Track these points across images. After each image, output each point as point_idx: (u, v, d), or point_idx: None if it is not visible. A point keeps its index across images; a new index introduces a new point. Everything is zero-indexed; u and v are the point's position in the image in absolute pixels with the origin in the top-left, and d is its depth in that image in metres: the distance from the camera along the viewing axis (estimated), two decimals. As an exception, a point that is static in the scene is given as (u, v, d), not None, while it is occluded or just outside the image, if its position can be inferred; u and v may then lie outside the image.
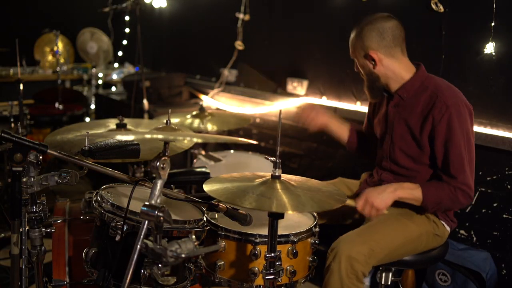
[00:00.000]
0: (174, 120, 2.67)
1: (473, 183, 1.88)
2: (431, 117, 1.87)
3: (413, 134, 1.95)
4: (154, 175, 1.23)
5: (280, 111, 1.51)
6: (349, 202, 1.91)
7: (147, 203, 1.19)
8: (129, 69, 5.32)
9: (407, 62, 1.98)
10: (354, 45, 2.00)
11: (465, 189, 1.85)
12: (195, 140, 1.56)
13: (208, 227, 1.66)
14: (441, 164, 1.89)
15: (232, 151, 3.09)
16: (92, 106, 4.97)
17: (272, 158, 1.51)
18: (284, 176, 1.54)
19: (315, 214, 1.88)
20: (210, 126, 2.70)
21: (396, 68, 1.96)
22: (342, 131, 2.34)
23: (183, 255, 1.13)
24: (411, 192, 1.88)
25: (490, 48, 2.32)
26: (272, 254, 1.46)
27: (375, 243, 1.82)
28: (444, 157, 1.87)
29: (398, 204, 2.01)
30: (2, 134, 1.33)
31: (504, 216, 2.36)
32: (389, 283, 2.04)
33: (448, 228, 2.03)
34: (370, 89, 2.04)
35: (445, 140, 1.85)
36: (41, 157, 1.43)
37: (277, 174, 1.50)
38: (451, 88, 1.92)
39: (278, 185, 1.47)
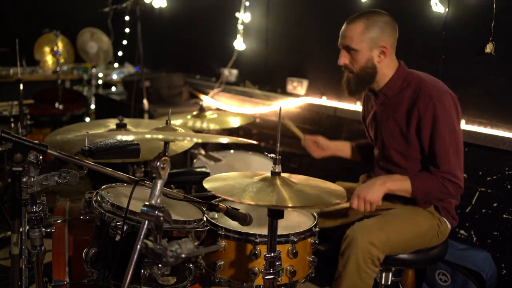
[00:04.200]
0: (175, 121, 2.67)
1: (461, 173, 1.89)
2: (417, 109, 1.89)
3: (401, 130, 1.97)
4: (154, 175, 1.23)
5: (280, 108, 1.51)
6: (342, 205, 1.93)
7: (147, 203, 1.19)
8: (129, 69, 5.32)
9: (396, 61, 2.01)
10: (361, 35, 1.90)
11: (452, 179, 1.86)
12: (195, 140, 1.56)
13: (208, 227, 1.66)
14: (428, 156, 1.92)
15: (232, 151, 3.09)
16: (92, 106, 4.97)
17: (272, 155, 1.51)
18: (284, 174, 1.54)
19: (315, 214, 1.88)
20: (210, 126, 2.70)
21: (390, 65, 1.98)
22: (346, 152, 2.38)
23: (183, 255, 1.13)
24: (400, 183, 1.91)
25: (490, 48, 2.32)
26: (272, 254, 1.46)
27: (391, 231, 1.86)
28: (430, 148, 1.89)
29: (403, 201, 2.02)
30: (2, 134, 1.33)
31: (504, 216, 2.36)
32: (389, 283, 2.04)
33: (449, 226, 2.04)
34: (359, 83, 1.98)
35: (430, 131, 1.87)
36: (41, 157, 1.42)
37: (276, 170, 1.50)
38: (433, 79, 1.95)
39: (278, 181, 1.47)
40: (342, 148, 2.38)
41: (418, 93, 1.89)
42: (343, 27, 1.97)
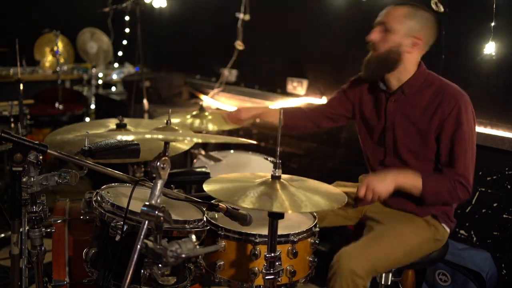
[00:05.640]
0: (175, 120, 2.67)
1: (472, 179, 1.88)
2: (441, 110, 1.88)
3: (418, 130, 1.95)
4: (154, 175, 1.23)
5: (281, 110, 1.51)
6: (350, 189, 1.90)
7: (147, 203, 1.19)
8: (129, 69, 5.31)
9: (420, 61, 2.00)
10: (403, 19, 1.89)
11: (465, 183, 1.85)
12: (195, 140, 1.56)
13: (208, 227, 1.66)
14: (444, 157, 1.90)
15: (232, 151, 3.09)
16: (92, 106, 4.97)
17: (272, 159, 1.51)
18: (284, 177, 1.54)
19: (315, 214, 1.88)
20: (210, 126, 2.70)
21: (415, 62, 1.96)
22: (274, 118, 2.33)
23: (183, 255, 1.13)
24: (413, 180, 1.87)
25: (490, 48, 2.32)
26: (272, 254, 1.46)
27: (376, 257, 1.82)
28: (450, 150, 1.88)
29: (397, 206, 2.01)
30: (2, 134, 1.33)
31: (504, 216, 2.36)
32: (389, 283, 2.04)
33: (448, 230, 2.03)
34: (379, 64, 1.95)
35: (452, 133, 1.86)
36: (41, 157, 1.42)
37: (277, 174, 1.50)
38: (455, 85, 1.95)
39: (278, 186, 1.47)
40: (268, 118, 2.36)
41: (442, 95, 1.89)
42: (387, 8, 1.95)
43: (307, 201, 1.41)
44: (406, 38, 1.90)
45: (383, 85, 2.05)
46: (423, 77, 1.96)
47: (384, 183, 1.83)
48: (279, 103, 3.50)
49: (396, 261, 1.90)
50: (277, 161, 1.49)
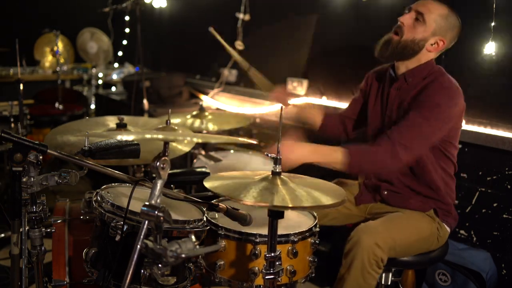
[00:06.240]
0: (175, 120, 2.67)
1: (410, 150, 1.81)
2: (423, 92, 1.88)
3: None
4: (154, 175, 1.23)
5: (282, 107, 1.51)
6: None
7: (147, 203, 1.19)
8: (129, 69, 5.32)
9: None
10: (438, 16, 1.88)
11: (398, 148, 1.79)
12: (195, 140, 1.56)
13: (208, 227, 1.66)
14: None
15: (232, 151, 3.09)
16: (92, 106, 4.97)
17: (272, 155, 1.51)
18: (284, 174, 1.53)
19: (315, 214, 1.88)
20: (210, 126, 2.70)
21: (429, 58, 1.96)
22: (315, 116, 2.37)
23: (183, 255, 1.13)
24: (330, 151, 1.93)
25: (490, 48, 2.32)
26: (272, 254, 1.46)
27: (397, 233, 1.85)
28: (402, 118, 1.88)
29: (399, 205, 2.02)
30: (2, 134, 1.33)
31: (504, 216, 2.36)
32: (389, 283, 2.04)
33: (448, 229, 2.04)
34: (397, 50, 1.93)
35: (414, 106, 1.86)
36: (41, 157, 1.42)
37: (277, 170, 1.49)
38: (454, 80, 1.93)
39: (279, 181, 1.47)
40: (309, 114, 2.39)
41: (433, 82, 1.89)
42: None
43: (308, 197, 1.41)
44: (433, 37, 1.91)
45: (392, 71, 2.06)
46: (427, 70, 1.96)
47: (295, 153, 1.86)
48: (279, 103, 3.49)
49: (411, 245, 1.91)
50: (278, 157, 1.49)
